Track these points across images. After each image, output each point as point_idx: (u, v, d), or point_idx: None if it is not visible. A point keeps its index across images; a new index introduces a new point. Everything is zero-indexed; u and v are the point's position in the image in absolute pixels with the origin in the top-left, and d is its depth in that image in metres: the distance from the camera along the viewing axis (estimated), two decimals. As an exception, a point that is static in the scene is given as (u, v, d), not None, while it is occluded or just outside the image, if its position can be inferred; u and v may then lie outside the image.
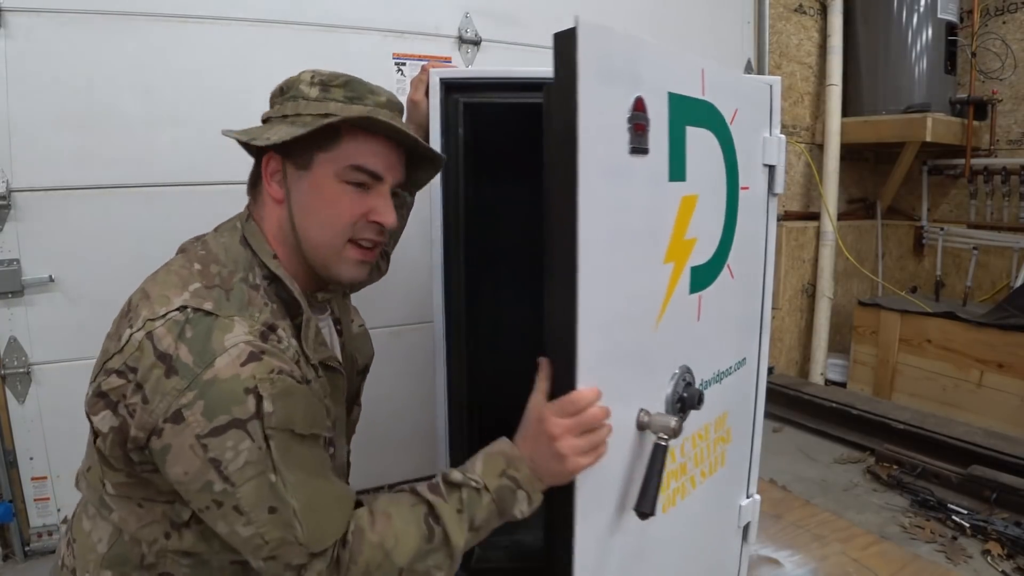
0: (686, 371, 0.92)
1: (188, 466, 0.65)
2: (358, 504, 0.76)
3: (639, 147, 0.78)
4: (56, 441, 1.57)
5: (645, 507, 0.77)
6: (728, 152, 0.98)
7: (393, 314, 1.83)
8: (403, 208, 0.86)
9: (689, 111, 0.87)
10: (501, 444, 0.78)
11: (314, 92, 0.79)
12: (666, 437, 0.79)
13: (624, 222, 0.78)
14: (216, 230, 0.84)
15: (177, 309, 0.69)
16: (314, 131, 0.76)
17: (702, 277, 0.95)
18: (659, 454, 0.79)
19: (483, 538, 0.77)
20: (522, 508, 0.76)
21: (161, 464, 0.67)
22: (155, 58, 1.54)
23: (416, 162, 0.88)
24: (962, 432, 2.10)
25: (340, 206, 0.79)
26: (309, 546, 0.68)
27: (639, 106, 0.77)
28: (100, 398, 0.70)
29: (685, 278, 0.91)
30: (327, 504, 0.71)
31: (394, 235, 1.30)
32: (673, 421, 0.79)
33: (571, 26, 0.66)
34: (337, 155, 0.78)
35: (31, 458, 1.57)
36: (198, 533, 0.74)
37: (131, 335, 0.69)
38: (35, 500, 1.60)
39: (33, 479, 1.58)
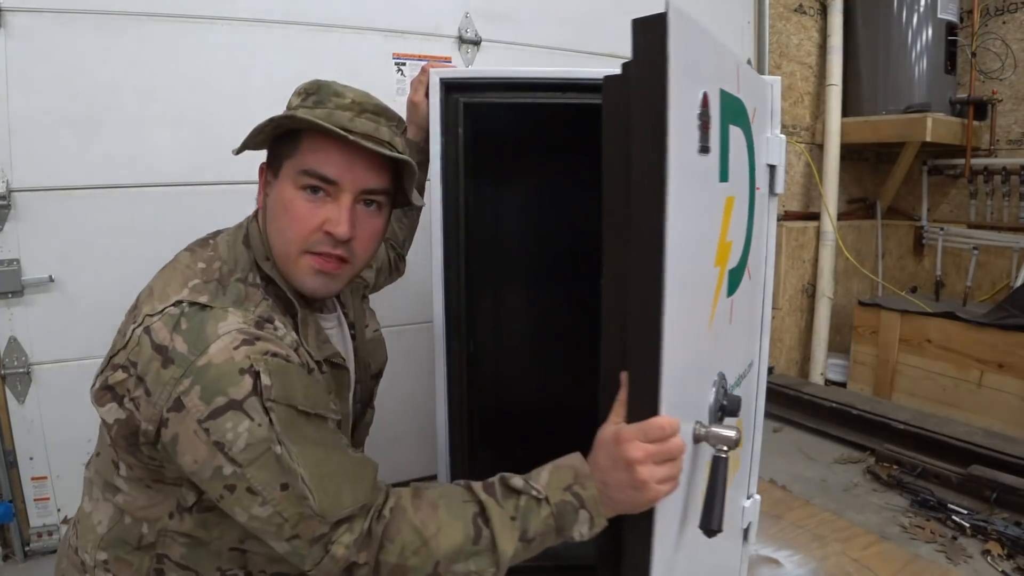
0: (722, 377, 0.89)
1: (196, 453, 0.66)
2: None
3: (705, 146, 0.74)
4: (56, 441, 1.57)
5: (713, 524, 0.73)
6: (751, 152, 0.96)
7: (393, 314, 1.83)
8: (376, 217, 0.81)
9: (731, 109, 0.84)
10: (572, 459, 0.75)
11: (295, 101, 0.79)
12: (726, 449, 0.76)
13: (691, 226, 0.74)
14: (229, 228, 0.86)
15: (173, 304, 0.71)
16: (281, 137, 0.78)
17: (735, 280, 0.93)
18: (721, 468, 0.75)
19: (535, 553, 0.73)
20: (582, 530, 0.71)
21: (173, 456, 0.68)
22: (155, 58, 1.53)
23: (400, 167, 0.83)
24: (962, 432, 2.10)
25: (293, 213, 0.76)
26: (325, 514, 0.67)
27: (705, 102, 0.73)
28: (107, 391, 0.71)
29: (725, 281, 0.88)
30: (339, 472, 0.70)
31: (408, 236, 1.30)
32: (733, 432, 0.76)
33: (660, 11, 0.60)
34: (295, 161, 0.77)
35: (31, 458, 1.57)
36: (200, 520, 0.75)
37: (133, 330, 0.71)
38: (35, 500, 1.59)
39: (33, 479, 1.58)
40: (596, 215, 1.98)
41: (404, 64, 1.82)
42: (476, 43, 1.91)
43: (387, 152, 0.77)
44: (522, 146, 1.73)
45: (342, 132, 0.73)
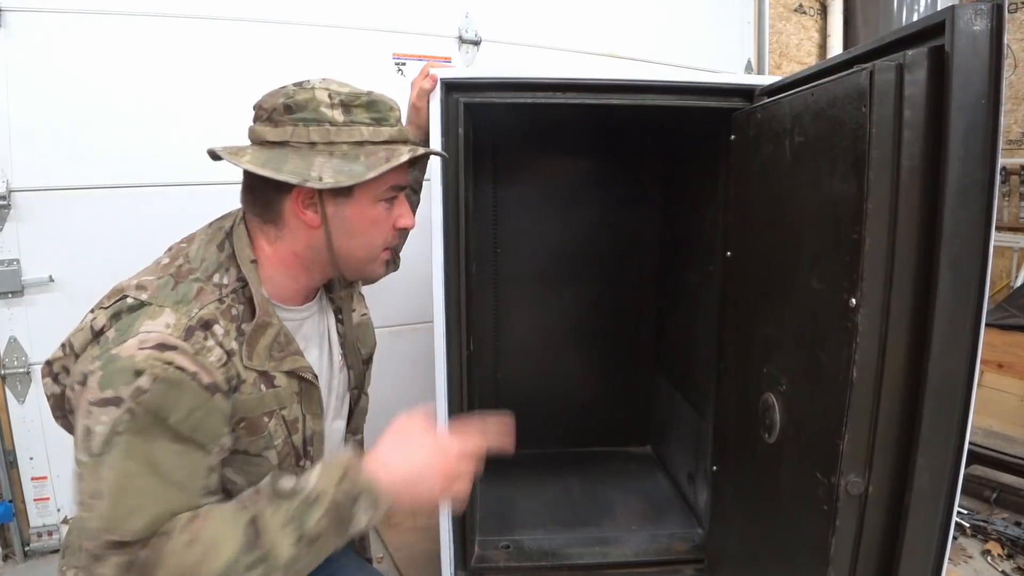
0: None
1: (79, 426, 0.69)
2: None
3: None
4: (56, 441, 1.57)
5: None
6: None
7: (393, 314, 1.83)
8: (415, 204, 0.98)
9: None
10: (343, 455, 0.73)
11: (338, 115, 0.77)
12: None
13: None
14: (208, 226, 0.86)
15: (119, 299, 0.74)
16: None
17: None
18: None
19: (330, 550, 0.71)
20: (366, 517, 0.70)
21: (73, 418, 0.71)
22: (155, 58, 1.54)
23: (413, 161, 0.89)
24: (962, 432, 2.10)
25: (382, 224, 0.84)
26: (105, 531, 0.65)
27: None
28: (47, 366, 0.77)
29: None
30: (146, 495, 0.67)
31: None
32: None
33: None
34: (380, 180, 0.80)
35: (31, 458, 1.57)
36: None
37: (84, 319, 0.76)
38: (35, 500, 1.60)
39: (33, 479, 1.58)
40: (597, 216, 1.97)
41: (404, 64, 1.82)
42: (476, 43, 1.91)
43: (440, 152, 0.95)
44: (522, 146, 1.73)
45: (439, 151, 0.86)
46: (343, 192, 0.78)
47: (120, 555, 0.65)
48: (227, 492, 0.80)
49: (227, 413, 0.75)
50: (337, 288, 0.98)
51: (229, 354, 0.75)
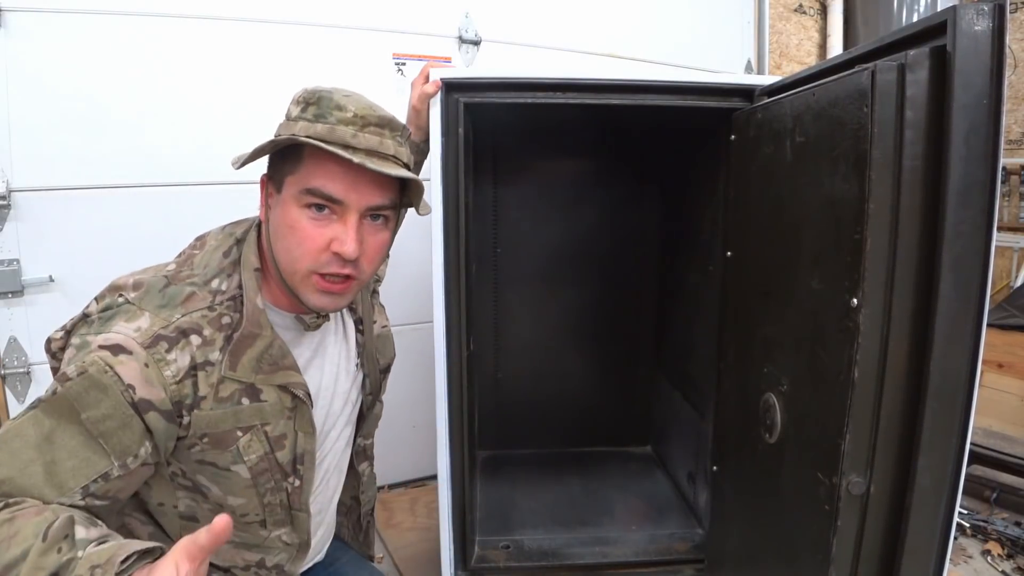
0: None
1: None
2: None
3: None
4: (56, 441, 1.57)
5: None
6: None
7: (393, 314, 1.82)
8: (383, 231, 0.80)
9: None
10: (132, 544, 0.60)
11: (295, 111, 0.76)
12: None
13: None
14: (222, 230, 0.85)
15: (118, 296, 0.77)
16: (282, 152, 0.76)
17: None
18: None
19: None
20: None
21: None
22: (155, 57, 1.54)
23: (405, 181, 0.80)
24: (962, 432, 2.10)
25: (300, 233, 0.75)
26: None
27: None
28: (48, 343, 0.79)
29: None
30: (10, 464, 0.64)
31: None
32: None
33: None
34: (298, 178, 0.75)
35: (31, 458, 1.57)
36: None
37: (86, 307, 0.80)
38: (35, 500, 1.59)
39: (33, 479, 1.58)
40: (597, 216, 1.97)
41: (404, 64, 1.81)
42: (476, 43, 1.91)
43: (391, 172, 0.74)
44: (522, 146, 1.73)
45: (346, 155, 0.71)
46: (277, 187, 0.78)
47: None
48: (203, 495, 0.80)
49: (160, 432, 0.71)
50: (359, 298, 0.98)
51: (198, 367, 0.74)
